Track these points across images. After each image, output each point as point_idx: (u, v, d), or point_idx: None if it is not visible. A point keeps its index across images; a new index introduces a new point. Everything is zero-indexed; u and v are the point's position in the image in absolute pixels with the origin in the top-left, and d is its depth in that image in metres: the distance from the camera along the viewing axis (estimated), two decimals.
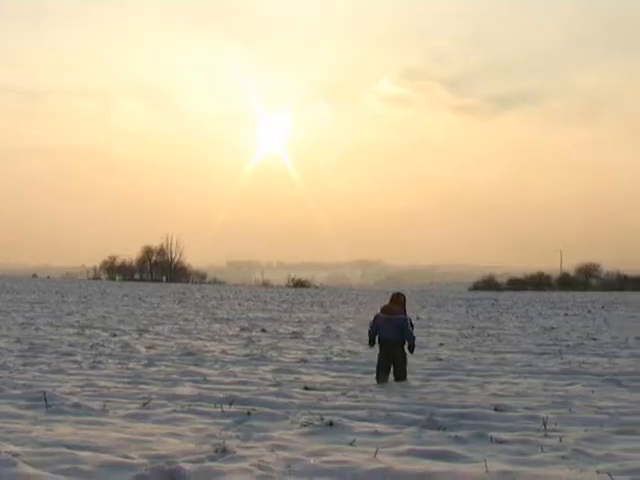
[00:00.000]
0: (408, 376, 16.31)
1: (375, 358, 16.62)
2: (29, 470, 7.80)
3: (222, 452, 8.84)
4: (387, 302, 16.84)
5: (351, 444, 9.63)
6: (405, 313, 16.59)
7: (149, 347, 21.98)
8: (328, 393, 14.12)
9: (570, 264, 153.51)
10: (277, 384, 15.21)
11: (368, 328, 17.06)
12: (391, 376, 16.17)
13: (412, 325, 16.55)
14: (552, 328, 33.58)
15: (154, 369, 17.36)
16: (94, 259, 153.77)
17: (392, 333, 16.18)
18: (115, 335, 25.65)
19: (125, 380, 15.44)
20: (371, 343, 16.77)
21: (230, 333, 28.20)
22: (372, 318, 17.07)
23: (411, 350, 16.38)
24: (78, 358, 18.95)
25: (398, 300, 16.70)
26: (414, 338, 16.37)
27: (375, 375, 16.30)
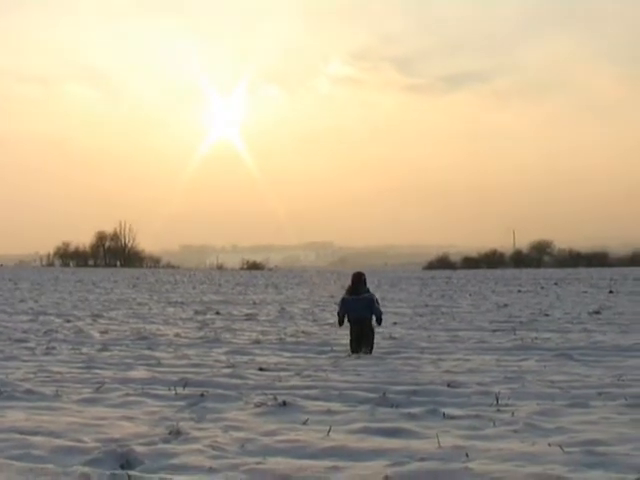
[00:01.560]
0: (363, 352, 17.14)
1: (329, 337, 16.99)
2: None
3: (176, 434, 8.83)
4: (350, 283, 17.79)
5: (304, 423, 9.66)
6: (369, 291, 17.66)
7: (103, 332, 21.89)
8: (282, 374, 14.13)
9: (523, 242, 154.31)
10: (231, 366, 15.20)
11: (337, 310, 18.32)
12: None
13: (377, 302, 17.63)
14: (505, 305, 33.80)
15: (108, 354, 17.29)
16: (48, 246, 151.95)
17: (361, 311, 17.26)
18: (69, 321, 25.51)
19: (79, 365, 15.36)
20: (340, 323, 17.84)
21: (184, 316, 28.15)
22: (339, 300, 18.15)
23: (379, 323, 17.66)
24: (31, 344, 18.82)
25: (360, 279, 17.67)
26: (381, 313, 17.65)
27: (350, 348, 17.40)
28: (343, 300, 17.73)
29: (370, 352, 17.10)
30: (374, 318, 17.41)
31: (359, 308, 17.25)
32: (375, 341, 17.47)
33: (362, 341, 17.26)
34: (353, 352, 17.20)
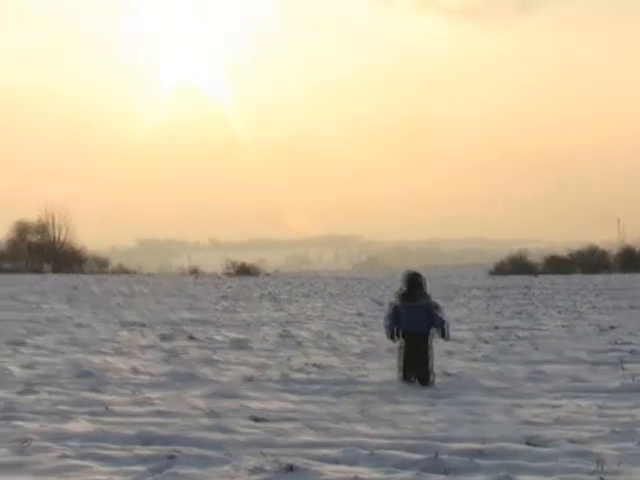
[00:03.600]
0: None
1: (355, 373, 16.91)
2: None
3: None
4: (402, 287, 18.58)
5: None
6: (428, 296, 18.33)
7: (26, 366, 21.89)
8: (286, 425, 14.15)
9: (635, 235, 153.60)
10: (212, 414, 15.22)
11: (384, 321, 19.02)
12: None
13: (439, 308, 18.36)
14: (611, 327, 33.70)
15: (33, 397, 17.29)
16: None
17: (418, 323, 18.00)
18: None
19: None
20: (393, 336, 18.50)
21: (144, 343, 28.13)
22: (389, 308, 18.92)
23: (447, 337, 18.49)
24: None
25: (417, 281, 18.40)
26: (447, 323, 18.31)
27: (401, 375, 18.18)
28: (395, 308, 18.32)
29: (427, 382, 17.72)
30: (434, 332, 18.04)
31: (415, 320, 17.84)
32: None
33: (417, 364, 17.82)
34: (405, 378, 17.84)
